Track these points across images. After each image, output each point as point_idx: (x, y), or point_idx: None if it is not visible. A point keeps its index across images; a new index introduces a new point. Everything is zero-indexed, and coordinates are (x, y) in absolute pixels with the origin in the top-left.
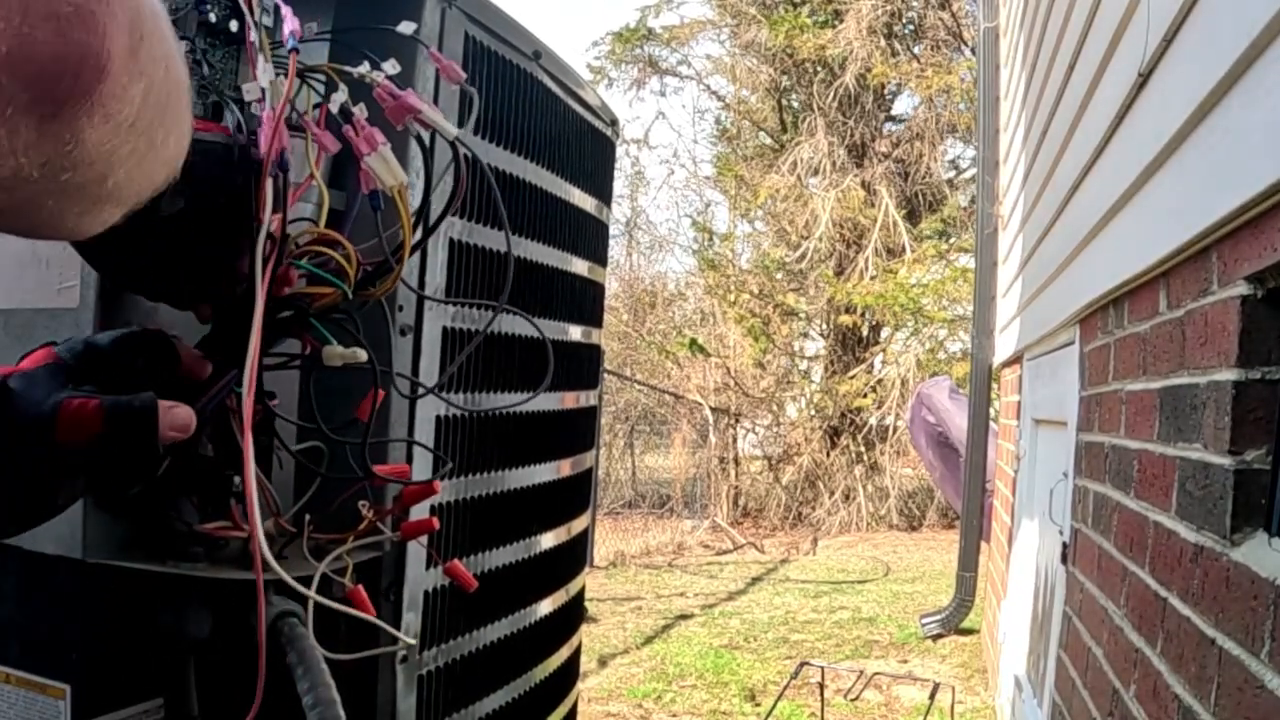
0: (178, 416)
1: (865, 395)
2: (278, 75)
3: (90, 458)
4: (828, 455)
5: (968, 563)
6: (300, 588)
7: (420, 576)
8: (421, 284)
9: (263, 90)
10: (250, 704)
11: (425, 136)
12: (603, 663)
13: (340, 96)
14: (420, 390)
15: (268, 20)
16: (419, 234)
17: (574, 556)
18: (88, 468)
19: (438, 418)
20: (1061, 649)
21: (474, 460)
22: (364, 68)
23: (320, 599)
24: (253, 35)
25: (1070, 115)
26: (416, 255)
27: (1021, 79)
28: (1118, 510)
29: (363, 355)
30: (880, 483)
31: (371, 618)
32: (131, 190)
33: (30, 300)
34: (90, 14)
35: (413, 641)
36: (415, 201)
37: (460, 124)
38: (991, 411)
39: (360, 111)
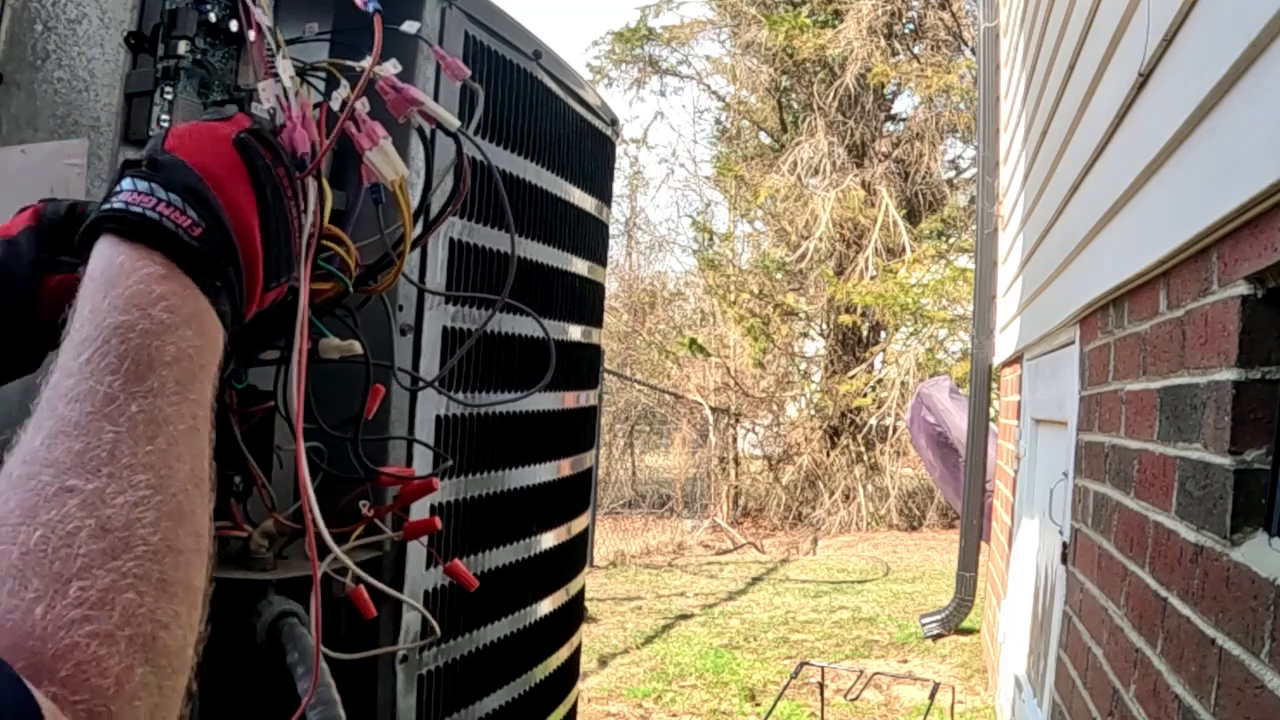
0: None
1: (865, 395)
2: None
3: None
4: (828, 455)
5: (968, 563)
6: (371, 579)
7: (420, 576)
8: (421, 283)
9: (284, 88)
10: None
11: (427, 130)
12: (603, 662)
13: (341, 93)
14: (420, 383)
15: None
16: (420, 228)
17: (574, 556)
18: None
19: (438, 417)
20: (1061, 649)
21: (474, 460)
22: (365, 62)
23: (403, 596)
24: (257, 34)
25: (1070, 115)
26: (416, 255)
27: (1021, 79)
28: (1118, 510)
29: (359, 347)
30: (880, 483)
31: (417, 605)
32: None
33: None
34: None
35: (438, 632)
36: (416, 197)
37: (466, 122)
38: (991, 411)
39: (362, 106)
